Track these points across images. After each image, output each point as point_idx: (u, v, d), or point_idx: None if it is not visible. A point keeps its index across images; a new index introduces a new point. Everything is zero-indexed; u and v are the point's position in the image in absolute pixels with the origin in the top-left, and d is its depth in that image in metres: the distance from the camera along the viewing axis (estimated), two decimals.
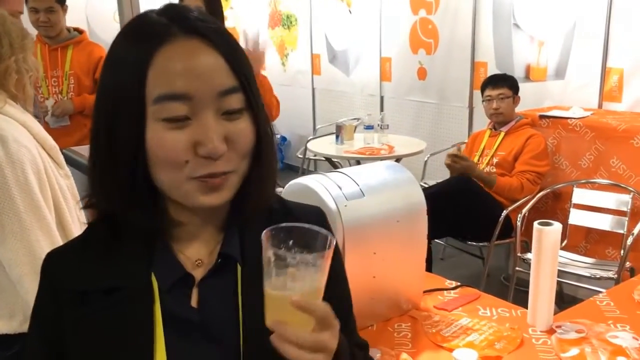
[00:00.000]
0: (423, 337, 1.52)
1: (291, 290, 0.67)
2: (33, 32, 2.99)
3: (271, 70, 6.61)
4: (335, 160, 4.21)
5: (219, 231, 0.81)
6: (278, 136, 6.61)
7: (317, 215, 0.88)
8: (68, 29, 3.16)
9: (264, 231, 0.69)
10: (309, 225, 0.71)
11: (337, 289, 0.82)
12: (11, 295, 1.43)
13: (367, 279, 1.52)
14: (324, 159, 4.43)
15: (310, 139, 4.62)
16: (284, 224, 0.71)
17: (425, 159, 4.23)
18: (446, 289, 1.78)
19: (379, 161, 1.72)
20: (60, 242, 1.45)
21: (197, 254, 0.80)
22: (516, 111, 3.50)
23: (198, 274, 0.79)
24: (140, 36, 0.72)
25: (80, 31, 3.22)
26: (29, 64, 1.53)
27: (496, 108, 3.42)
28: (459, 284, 1.82)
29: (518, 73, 4.09)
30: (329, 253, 0.69)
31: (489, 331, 1.52)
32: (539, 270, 1.52)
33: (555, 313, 1.59)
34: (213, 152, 0.70)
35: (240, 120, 0.73)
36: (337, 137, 4.17)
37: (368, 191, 1.52)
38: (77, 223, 1.58)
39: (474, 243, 3.35)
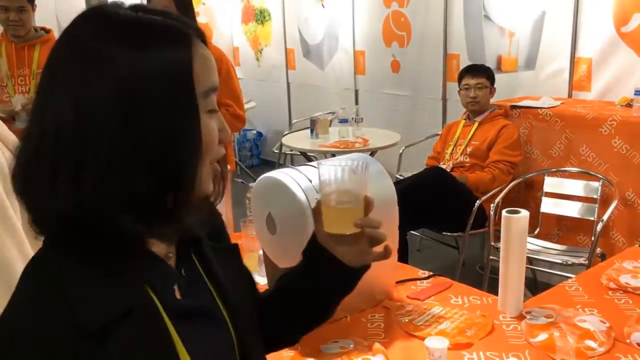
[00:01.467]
0: (396, 327, 1.53)
1: (346, 205, 0.90)
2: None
3: (245, 65, 6.59)
4: (311, 154, 4.22)
5: None
6: (254, 132, 6.60)
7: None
8: (35, 28, 3.12)
9: (320, 163, 0.90)
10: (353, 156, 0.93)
11: None
12: None
13: None
14: (299, 153, 4.44)
15: (286, 134, 4.62)
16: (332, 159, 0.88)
17: (400, 151, 4.25)
18: (419, 279, 1.80)
19: (351, 154, 1.73)
20: (27, 245, 1.42)
21: (166, 248, 0.79)
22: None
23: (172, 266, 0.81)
24: (172, 33, 0.72)
25: (47, 30, 3.18)
26: None
27: (474, 97, 3.47)
28: (431, 273, 1.84)
29: (490, 64, 4.11)
30: (365, 177, 0.91)
31: (460, 319, 1.54)
32: (508, 258, 1.55)
33: (528, 300, 1.61)
34: (228, 136, 0.79)
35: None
36: (311, 131, 4.17)
37: None
38: None
39: (449, 233, 3.39)
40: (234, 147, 6.45)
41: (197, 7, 6.32)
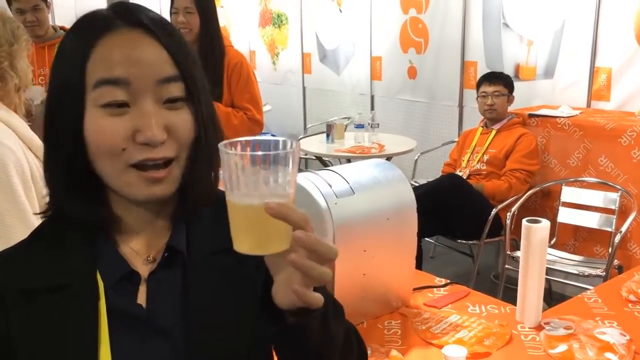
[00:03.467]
0: (413, 334, 1.53)
1: (264, 197, 0.60)
2: None
3: (262, 69, 6.61)
4: (326, 159, 4.22)
5: (168, 227, 0.81)
6: (269, 135, 6.61)
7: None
8: (54, 28, 3.15)
9: (223, 143, 0.62)
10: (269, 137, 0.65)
11: None
12: None
13: (357, 276, 1.53)
14: (314, 157, 4.44)
15: (301, 138, 4.63)
16: (244, 139, 0.64)
17: (416, 157, 4.24)
18: (436, 287, 1.79)
19: (370, 159, 1.73)
20: None
21: (147, 250, 0.79)
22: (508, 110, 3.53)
23: (147, 269, 0.78)
24: (84, 28, 0.74)
25: (66, 30, 3.21)
26: (17, 71, 1.50)
27: (490, 104, 3.45)
28: (448, 281, 1.83)
29: (507, 72, 4.10)
30: (294, 157, 0.61)
31: (478, 328, 1.53)
32: (527, 267, 1.53)
33: (543, 310, 1.60)
34: (152, 139, 0.70)
35: (181, 110, 0.74)
36: (327, 135, 4.18)
37: (358, 189, 1.52)
38: None
39: (464, 241, 3.37)
40: None
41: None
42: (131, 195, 0.74)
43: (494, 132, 3.47)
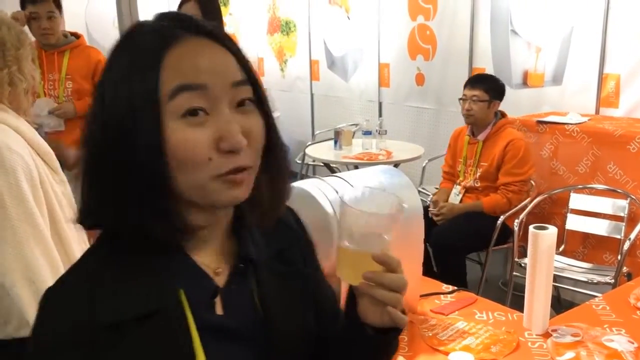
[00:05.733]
0: (420, 341, 1.52)
1: (364, 248, 0.76)
2: (31, 38, 2.99)
3: (270, 76, 6.64)
4: (334, 165, 4.22)
5: (227, 236, 0.81)
6: None
7: (289, 211, 0.92)
8: (65, 34, 3.18)
9: (337, 196, 0.76)
10: (379, 189, 0.79)
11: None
12: (5, 302, 1.43)
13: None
14: (322, 164, 4.44)
15: (309, 145, 4.64)
16: (354, 190, 0.77)
17: (424, 164, 4.24)
18: (443, 293, 1.79)
19: (377, 165, 1.73)
20: (54, 249, 1.44)
21: (215, 262, 0.78)
22: (514, 116, 3.51)
23: (220, 281, 0.78)
24: (146, 42, 0.71)
25: (77, 36, 3.24)
26: (24, 74, 1.52)
27: (468, 109, 3.33)
28: (455, 288, 1.82)
29: (516, 79, 4.12)
30: (396, 218, 0.77)
31: (485, 335, 1.53)
32: (534, 274, 1.53)
33: (551, 317, 1.59)
34: (236, 145, 0.69)
35: (253, 113, 0.73)
36: (335, 142, 4.18)
37: (365, 195, 1.52)
38: (74, 230, 1.58)
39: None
40: None
41: (224, 18, 6.40)
42: (215, 202, 0.72)
43: (480, 143, 3.37)
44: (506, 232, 3.19)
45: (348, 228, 0.76)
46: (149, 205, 0.70)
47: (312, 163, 5.40)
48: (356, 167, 3.85)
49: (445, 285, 1.85)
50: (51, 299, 0.72)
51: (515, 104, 4.07)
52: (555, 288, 3.22)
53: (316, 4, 5.84)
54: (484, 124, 3.36)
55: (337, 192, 1.49)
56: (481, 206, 3.26)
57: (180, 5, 2.60)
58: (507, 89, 4.11)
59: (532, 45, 4.03)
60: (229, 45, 0.74)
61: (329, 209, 1.45)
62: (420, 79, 4.89)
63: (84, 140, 0.73)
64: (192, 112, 0.69)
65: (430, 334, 1.54)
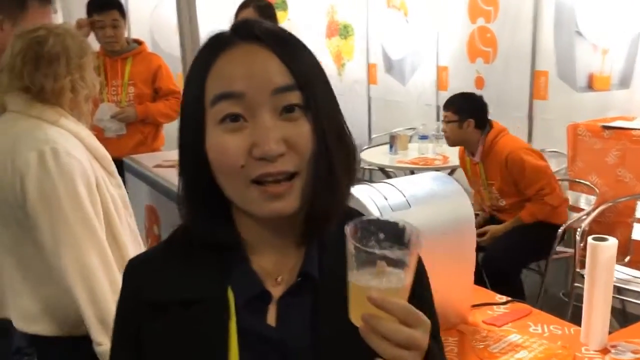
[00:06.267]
0: (470, 353, 1.49)
1: (370, 284, 0.65)
2: (96, 45, 3.11)
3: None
4: (389, 170, 4.19)
5: (298, 246, 0.79)
6: None
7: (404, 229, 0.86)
8: (127, 41, 3.29)
9: (349, 224, 0.67)
10: (396, 219, 0.70)
11: (420, 302, 0.72)
12: (64, 301, 1.49)
13: None
14: (377, 168, 4.42)
15: (365, 149, 4.62)
16: (369, 217, 0.70)
17: None
18: (496, 304, 1.74)
19: (428, 172, 1.70)
20: (108, 251, 1.49)
21: (277, 271, 0.78)
22: (577, 122, 3.38)
23: (277, 291, 0.77)
24: (205, 49, 0.75)
25: (139, 42, 3.34)
26: (86, 82, 1.58)
27: (443, 131, 3.31)
28: (509, 298, 1.77)
29: (580, 82, 3.96)
30: (414, 251, 0.67)
31: (539, 349, 1.48)
32: (593, 287, 1.47)
33: (614, 331, 1.52)
34: (267, 153, 0.69)
35: (300, 121, 0.71)
36: (390, 146, 4.15)
37: (414, 202, 1.50)
38: (129, 232, 1.63)
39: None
40: None
41: (282, 23, 6.47)
42: (257, 212, 0.72)
43: (480, 165, 3.26)
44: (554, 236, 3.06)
45: (353, 258, 0.67)
46: (195, 206, 0.76)
47: (368, 167, 5.38)
48: (412, 172, 3.80)
49: (498, 296, 1.80)
50: (125, 271, 0.82)
51: (580, 108, 3.92)
52: (621, 301, 3.08)
53: (374, 7, 5.81)
54: (470, 143, 3.26)
55: (385, 198, 1.48)
56: (521, 220, 3.14)
57: (237, 12, 2.64)
58: (572, 92, 4.01)
59: (598, 47, 3.87)
60: (277, 48, 0.72)
61: (377, 216, 1.44)
62: (479, 83, 4.79)
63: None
64: (233, 118, 0.70)
65: (482, 346, 1.50)
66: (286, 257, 0.78)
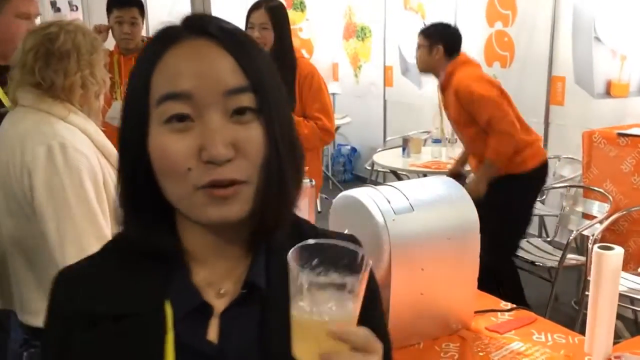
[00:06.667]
0: (470, 359, 1.47)
1: (324, 316, 0.60)
2: (110, 44, 3.13)
3: (344, 81, 6.66)
4: (401, 173, 4.17)
5: (244, 256, 0.74)
6: (348, 147, 6.63)
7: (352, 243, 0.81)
8: (142, 39, 3.31)
9: (292, 250, 0.62)
10: (343, 243, 0.63)
11: (373, 323, 0.66)
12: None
13: (414, 295, 1.49)
14: (390, 171, 4.40)
15: (378, 151, 4.61)
16: (313, 241, 0.63)
17: None
18: (500, 310, 1.72)
19: (436, 176, 1.69)
20: None
21: (220, 283, 0.73)
22: (593, 128, 3.33)
23: (220, 304, 0.72)
24: (153, 43, 0.70)
25: None
26: (97, 78, 1.59)
27: (416, 58, 3.26)
28: (514, 305, 1.75)
29: (598, 89, 3.92)
30: (365, 275, 0.62)
31: (541, 357, 1.46)
32: (597, 296, 1.44)
33: (623, 341, 1.50)
34: (217, 156, 0.64)
35: (251, 125, 0.67)
36: (403, 149, 4.13)
37: (418, 206, 1.49)
38: None
39: (540, 264, 3.20)
40: (327, 161, 6.51)
41: (300, 24, 6.48)
42: (202, 218, 0.67)
43: (440, 94, 3.22)
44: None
45: (298, 288, 0.61)
46: (133, 211, 0.71)
47: (381, 170, 5.36)
48: (425, 175, 3.78)
49: (503, 303, 1.78)
50: (56, 280, 0.76)
51: (597, 115, 3.88)
52: (633, 311, 3.03)
53: (392, 10, 5.80)
54: (437, 72, 3.19)
55: (389, 202, 1.47)
56: (488, 160, 3.04)
57: (249, 13, 2.65)
58: (589, 99, 3.96)
59: (616, 54, 3.82)
60: (232, 48, 0.68)
61: (380, 219, 1.43)
62: None
63: None
64: (179, 118, 0.66)
65: (482, 354, 1.49)
66: (231, 267, 0.73)
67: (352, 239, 0.82)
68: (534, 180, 3.17)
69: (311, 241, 0.63)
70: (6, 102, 1.75)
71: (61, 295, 0.75)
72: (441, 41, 3.16)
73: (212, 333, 0.71)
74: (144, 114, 0.68)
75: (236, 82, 0.67)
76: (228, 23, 0.71)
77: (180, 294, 0.70)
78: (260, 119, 0.67)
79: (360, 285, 0.61)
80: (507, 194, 3.05)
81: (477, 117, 3.04)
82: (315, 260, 0.62)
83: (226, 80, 0.66)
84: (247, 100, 0.67)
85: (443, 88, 3.20)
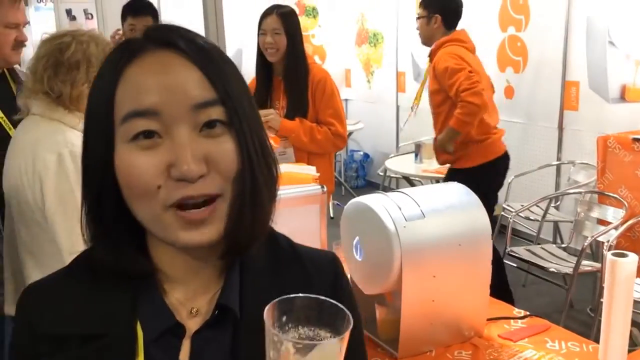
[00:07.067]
0: None
1: None
2: None
3: (356, 87, 6.66)
4: (414, 179, 4.16)
5: (218, 275, 0.72)
6: (361, 153, 6.62)
7: (330, 262, 0.78)
8: None
9: (269, 305, 0.58)
10: (323, 299, 0.60)
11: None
12: None
13: (425, 302, 1.49)
14: (402, 177, 4.39)
15: (391, 157, 4.60)
16: (292, 296, 0.59)
17: (509, 180, 4.08)
18: (513, 318, 1.71)
19: (447, 182, 1.68)
20: None
21: (192, 302, 0.70)
22: (608, 133, 3.30)
23: (193, 324, 0.70)
24: (114, 57, 0.67)
25: None
26: None
27: (417, 29, 3.31)
28: (527, 313, 1.73)
29: (612, 93, 3.88)
30: (348, 334, 0.58)
31: None
32: (611, 304, 1.42)
33: (636, 350, 1.48)
34: (187, 173, 0.61)
35: (222, 138, 0.64)
36: (415, 155, 4.12)
37: (429, 212, 1.48)
38: None
39: (555, 270, 3.17)
40: (340, 167, 6.51)
41: (313, 30, 6.50)
42: (174, 241, 0.65)
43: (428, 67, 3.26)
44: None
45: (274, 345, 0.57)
46: (100, 232, 0.68)
47: (394, 175, 5.35)
48: (437, 181, 3.77)
49: (516, 310, 1.76)
50: (22, 297, 0.73)
51: (611, 120, 3.85)
52: None
53: (404, 16, 5.79)
54: (427, 43, 3.26)
55: (399, 208, 1.46)
56: (452, 130, 3.08)
57: (261, 19, 2.66)
58: (603, 104, 3.93)
59: (631, 58, 3.79)
60: (198, 59, 0.65)
61: (391, 226, 1.43)
62: (509, 92, 4.73)
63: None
64: (146, 135, 0.63)
65: None
66: (204, 286, 0.71)
67: (331, 258, 0.79)
68: (493, 171, 3.20)
69: (291, 297, 0.59)
70: (8, 127, 1.78)
71: (27, 315, 0.71)
72: (439, 11, 3.18)
73: (184, 354, 0.69)
74: (109, 132, 0.64)
75: (204, 95, 0.64)
76: (194, 33, 0.68)
77: (151, 314, 0.68)
78: (231, 132, 0.65)
79: (344, 344, 0.58)
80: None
81: (448, 89, 3.08)
82: (295, 314, 0.59)
83: (193, 94, 0.63)
84: (216, 113, 0.64)
85: (431, 58, 3.25)
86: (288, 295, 0.59)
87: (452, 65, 3.05)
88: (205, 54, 0.66)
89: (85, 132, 0.68)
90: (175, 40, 0.66)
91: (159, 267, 0.70)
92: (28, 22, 2.10)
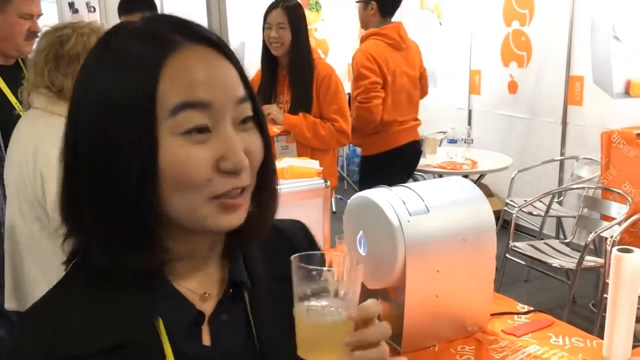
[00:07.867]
0: None
1: (333, 316, 0.66)
2: None
3: None
4: (417, 173, 4.14)
5: (220, 259, 0.76)
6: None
7: (301, 230, 0.88)
8: None
9: (294, 257, 0.67)
10: (329, 252, 0.71)
11: None
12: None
13: (429, 297, 1.48)
14: None
15: None
16: (306, 253, 0.69)
17: (513, 175, 4.08)
18: (517, 313, 1.70)
19: (450, 177, 1.67)
20: None
21: (201, 287, 0.73)
22: (612, 129, 3.29)
23: (207, 307, 0.72)
24: (139, 47, 0.64)
25: None
26: None
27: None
28: (531, 308, 1.73)
29: (617, 88, 3.87)
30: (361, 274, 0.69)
31: None
32: (616, 300, 1.42)
33: None
34: (238, 165, 0.65)
35: (253, 131, 0.69)
36: None
37: (433, 207, 1.48)
38: None
39: (559, 266, 3.17)
40: (343, 162, 6.50)
41: (316, 24, 6.48)
42: (211, 226, 0.66)
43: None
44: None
45: (303, 291, 0.67)
46: (130, 235, 0.65)
47: None
48: (440, 175, 3.76)
49: (520, 305, 1.76)
50: (25, 323, 0.69)
51: (616, 115, 3.83)
52: None
53: (408, 9, 5.76)
54: (368, 29, 3.24)
55: (403, 202, 1.46)
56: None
57: (266, 13, 2.65)
58: (608, 98, 3.92)
59: (636, 52, 3.77)
60: (232, 57, 0.68)
61: (395, 221, 1.42)
62: (513, 87, 4.71)
63: (61, 159, 0.71)
64: (200, 130, 0.64)
65: (499, 357, 1.47)
66: (211, 271, 0.74)
67: (302, 227, 0.88)
68: (395, 161, 3.21)
69: (307, 253, 0.69)
70: (16, 104, 1.77)
71: (39, 336, 0.66)
72: None
73: (205, 337, 0.72)
74: (151, 125, 0.62)
75: (242, 91, 0.68)
76: (206, 30, 0.69)
77: (173, 309, 0.69)
78: (257, 126, 0.70)
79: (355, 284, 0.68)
80: (373, 172, 3.13)
81: (351, 87, 3.12)
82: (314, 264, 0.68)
83: (236, 89, 0.67)
84: (249, 108, 0.69)
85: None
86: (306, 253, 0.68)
87: (360, 69, 3.07)
88: (233, 53, 0.69)
89: (106, 125, 0.63)
90: (212, 38, 0.68)
91: (171, 260, 0.69)
92: (42, 14, 2.10)
